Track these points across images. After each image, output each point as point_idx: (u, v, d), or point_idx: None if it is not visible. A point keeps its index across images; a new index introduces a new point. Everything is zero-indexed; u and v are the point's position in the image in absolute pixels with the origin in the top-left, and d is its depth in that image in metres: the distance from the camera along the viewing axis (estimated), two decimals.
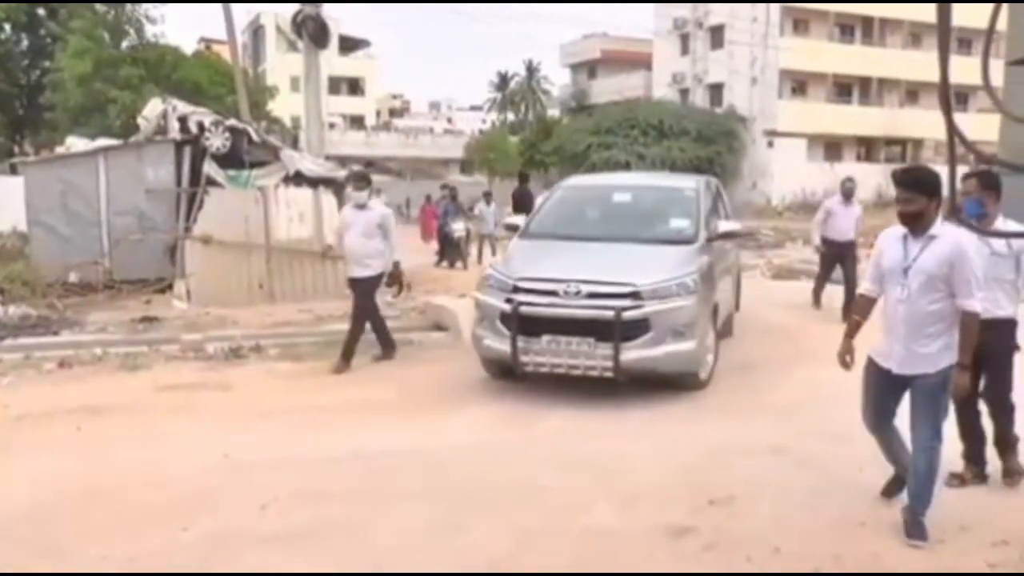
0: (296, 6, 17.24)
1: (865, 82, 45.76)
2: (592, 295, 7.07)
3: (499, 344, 7.39)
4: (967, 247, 4.47)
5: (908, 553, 4.40)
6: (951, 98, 3.73)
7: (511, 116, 70.55)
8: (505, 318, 7.32)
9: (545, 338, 7.16)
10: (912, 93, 46.64)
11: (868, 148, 46.99)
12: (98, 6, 33.82)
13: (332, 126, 50.92)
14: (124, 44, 34.39)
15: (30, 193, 13.01)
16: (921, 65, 44.14)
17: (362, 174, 9.95)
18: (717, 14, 43.89)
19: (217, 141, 13.26)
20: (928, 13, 42.54)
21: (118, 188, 13.06)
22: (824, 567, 4.25)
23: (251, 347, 9.46)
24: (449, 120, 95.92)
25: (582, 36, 56.56)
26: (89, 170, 13.10)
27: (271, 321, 10.92)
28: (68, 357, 8.92)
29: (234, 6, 17.82)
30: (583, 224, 8.71)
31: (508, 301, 7.29)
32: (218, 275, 12.36)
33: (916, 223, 4.49)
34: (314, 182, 13.60)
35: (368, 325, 8.85)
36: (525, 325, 7.19)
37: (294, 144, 24.83)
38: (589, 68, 56.71)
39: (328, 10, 17.45)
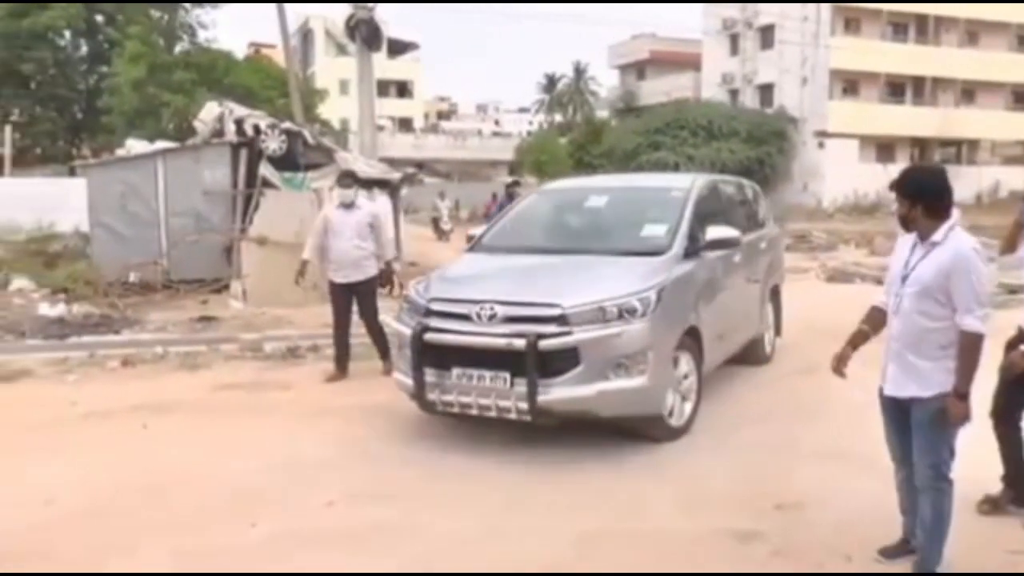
0: (348, 9, 17.43)
1: (919, 81, 44.90)
2: (510, 319, 5.77)
3: (405, 378, 6.24)
4: (970, 256, 3.86)
5: None
6: None
7: (559, 118, 70.45)
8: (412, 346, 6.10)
9: (456, 371, 5.90)
10: (968, 92, 45.78)
11: (922, 149, 46.14)
12: (153, 12, 34.41)
13: (381, 128, 51.18)
14: (177, 49, 34.97)
15: (92, 195, 13.31)
16: (978, 63, 43.56)
17: (347, 171, 9.64)
18: (767, 14, 43.46)
19: (273, 144, 13.45)
20: (986, 10, 42.09)
21: (176, 190, 13.31)
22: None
23: (308, 347, 9.56)
24: (496, 122, 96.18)
25: (631, 37, 56.38)
26: (148, 172, 13.36)
27: (324, 321, 10.99)
28: (131, 355, 9.09)
29: (285, 10, 18.07)
30: (543, 234, 7.58)
31: (419, 326, 6.10)
32: (273, 275, 12.46)
33: (910, 227, 4.04)
34: (367, 184, 13.71)
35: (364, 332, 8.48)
36: (432, 355, 6.00)
37: (344, 147, 25.04)
38: (638, 69, 56.52)
39: (379, 13, 17.61)
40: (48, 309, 11.37)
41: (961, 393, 3.85)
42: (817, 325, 10.37)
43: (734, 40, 46.95)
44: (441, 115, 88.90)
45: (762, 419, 6.84)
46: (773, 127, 42.12)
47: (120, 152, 15.08)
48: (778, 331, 9.15)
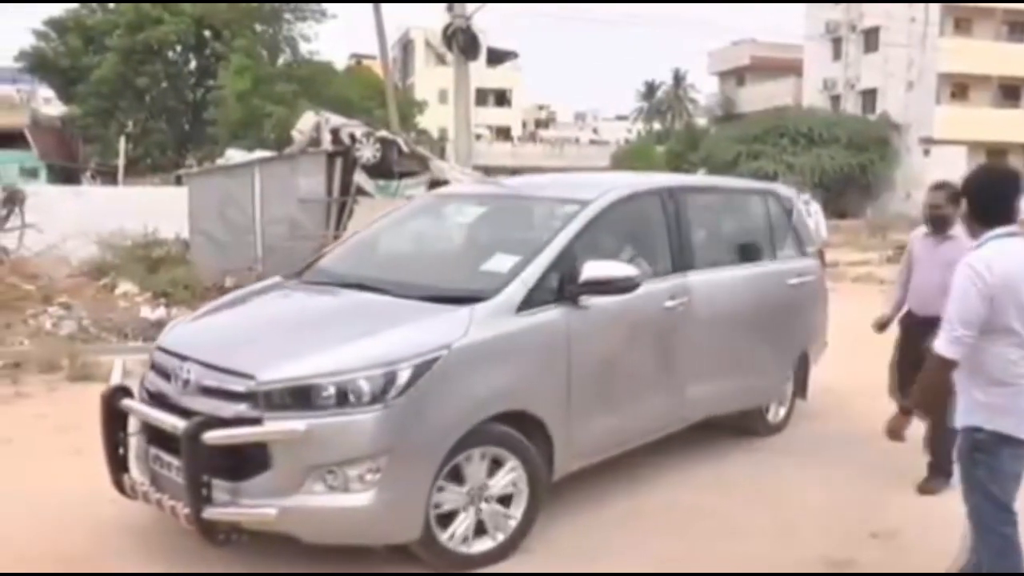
0: (448, 19, 17.67)
1: None
2: (205, 390, 4.26)
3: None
4: (961, 271, 3.45)
5: None
6: None
7: (657, 126, 69.99)
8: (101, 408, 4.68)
9: (151, 450, 4.48)
10: None
11: None
12: (258, 26, 35.51)
13: (479, 137, 51.74)
14: (280, 61, 35.97)
15: (193, 202, 13.80)
16: None
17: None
18: (872, 16, 42.29)
19: (367, 152, 13.71)
20: None
21: (272, 197, 13.66)
22: None
23: None
24: (594, 130, 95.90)
25: (731, 43, 55.64)
26: (245, 180, 13.76)
27: None
28: None
29: (385, 22, 18.41)
30: (378, 261, 5.89)
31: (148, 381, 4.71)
32: None
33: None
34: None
35: None
36: (131, 423, 4.63)
37: (440, 155, 25.35)
38: (737, 75, 55.72)
39: (477, 22, 17.80)
40: (149, 312, 11.77)
41: (905, 408, 3.75)
42: None
43: (837, 44, 45.84)
44: (539, 123, 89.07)
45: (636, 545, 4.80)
46: (875, 134, 41.02)
47: (220, 162, 15.58)
48: (803, 394, 6.95)
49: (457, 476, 4.34)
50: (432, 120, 46.82)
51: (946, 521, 4.94)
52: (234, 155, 15.53)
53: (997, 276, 3.35)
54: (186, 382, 4.30)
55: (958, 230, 4.78)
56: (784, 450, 6.30)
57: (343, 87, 33.68)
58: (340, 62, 42.73)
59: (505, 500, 4.51)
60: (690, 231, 5.76)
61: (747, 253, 6.33)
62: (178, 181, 33.82)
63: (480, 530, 4.44)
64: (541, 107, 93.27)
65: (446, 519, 4.33)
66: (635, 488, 5.46)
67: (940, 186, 5.42)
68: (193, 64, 39.06)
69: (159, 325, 10.96)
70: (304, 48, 36.64)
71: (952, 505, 5.10)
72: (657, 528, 4.94)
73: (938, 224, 5.40)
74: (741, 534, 4.88)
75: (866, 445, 5.85)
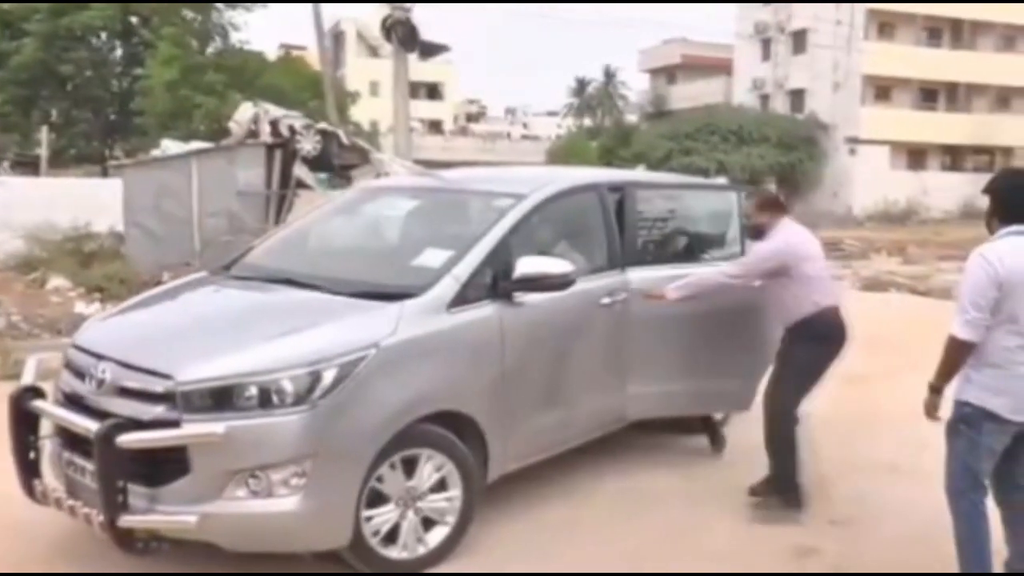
0: (382, 12, 17.51)
1: (952, 88, 44.42)
2: (121, 390, 4.05)
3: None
4: (971, 259, 3.80)
5: None
6: None
7: (588, 122, 70.36)
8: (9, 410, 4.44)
9: (65, 455, 4.24)
10: (1003, 99, 45.28)
11: (954, 156, 45.66)
12: (186, 14, 34.70)
13: (411, 130, 51.50)
14: (210, 50, 35.22)
15: (127, 195, 13.48)
16: (1014, 69, 42.98)
17: None
18: (800, 18, 43.12)
19: (308, 144, 13.54)
20: (1022, 14, 41.54)
21: (210, 190, 13.42)
22: None
23: None
24: (525, 125, 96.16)
25: (662, 41, 56.22)
26: (182, 172, 13.49)
27: None
28: None
29: (321, 12, 18.15)
30: (307, 255, 5.67)
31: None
32: None
33: (988, 228, 3.99)
34: None
35: None
36: (43, 426, 4.42)
37: (377, 148, 25.15)
38: (668, 73, 56.33)
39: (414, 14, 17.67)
40: (84, 307, 11.45)
41: (931, 385, 3.90)
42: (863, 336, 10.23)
43: (766, 45, 46.67)
44: (470, 117, 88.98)
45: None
46: (804, 133, 41.86)
47: (156, 153, 15.24)
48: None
49: (387, 479, 4.21)
50: (363, 113, 46.36)
51: (896, 509, 5.06)
52: (170, 146, 15.17)
53: (1007, 267, 3.68)
54: (101, 382, 4.09)
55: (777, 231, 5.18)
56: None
57: (275, 77, 33.10)
58: (270, 52, 42.03)
59: (438, 503, 4.40)
60: (629, 227, 5.59)
61: (691, 252, 6.07)
62: (105, 173, 33.05)
63: (412, 534, 4.32)
64: (472, 101, 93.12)
65: (376, 524, 4.20)
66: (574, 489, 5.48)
67: (751, 194, 5.81)
68: (119, 52, 37.98)
69: None
70: (235, 37, 36.00)
71: (900, 492, 5.25)
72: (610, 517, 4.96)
73: (754, 235, 5.49)
74: (702, 528, 4.95)
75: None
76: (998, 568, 3.95)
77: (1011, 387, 3.73)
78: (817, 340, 5.06)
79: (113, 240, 14.82)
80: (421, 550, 4.34)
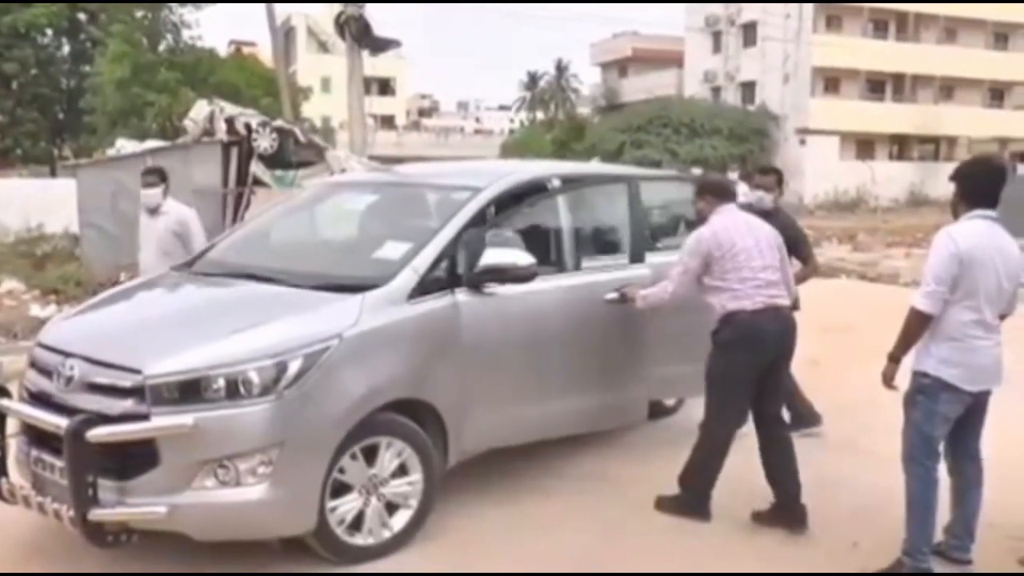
0: (332, 8, 17.48)
1: (898, 79, 45.40)
2: (90, 386, 4.11)
3: None
4: (938, 236, 4.05)
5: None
6: None
7: (540, 115, 70.55)
8: None
9: (33, 452, 4.28)
10: (947, 89, 46.33)
11: (901, 146, 46.64)
12: (136, 11, 34.21)
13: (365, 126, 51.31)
14: (161, 48, 34.76)
15: (82, 195, 13.32)
16: (956, 61, 44.06)
17: (153, 168, 7.86)
18: (750, 11, 43.68)
19: (264, 142, 13.45)
20: (964, 7, 42.54)
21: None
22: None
23: None
24: (477, 120, 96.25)
25: (612, 35, 56.56)
26: (138, 172, 13.26)
27: None
28: None
29: (274, 9, 18.08)
30: (269, 250, 5.76)
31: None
32: None
33: (952, 215, 4.21)
34: None
35: None
36: (8, 425, 4.46)
37: (333, 145, 25.04)
38: (620, 67, 56.68)
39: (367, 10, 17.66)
40: (40, 310, 11.35)
41: (889, 355, 4.12)
42: (818, 323, 10.47)
43: (717, 38, 47.17)
44: (422, 112, 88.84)
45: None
46: (755, 124, 42.41)
47: (110, 152, 15.07)
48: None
49: (349, 470, 4.31)
50: (315, 109, 46.08)
51: (844, 483, 5.25)
52: (125, 145, 15.01)
53: (969, 245, 3.93)
54: (69, 379, 4.15)
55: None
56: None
57: (228, 75, 32.71)
58: (220, 48, 41.55)
59: (400, 488, 4.50)
60: (585, 220, 5.74)
61: (646, 245, 5.95)
62: (53, 173, 32.53)
63: (376, 520, 4.43)
64: (424, 96, 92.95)
65: (341, 513, 4.31)
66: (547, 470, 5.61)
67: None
68: (67, 49, 37.34)
69: None
70: (186, 35, 35.48)
71: (848, 469, 5.40)
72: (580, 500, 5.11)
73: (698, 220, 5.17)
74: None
75: None
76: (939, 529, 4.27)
77: (966, 359, 3.99)
78: (724, 347, 4.79)
79: (68, 241, 14.69)
80: (386, 534, 4.47)
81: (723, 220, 4.87)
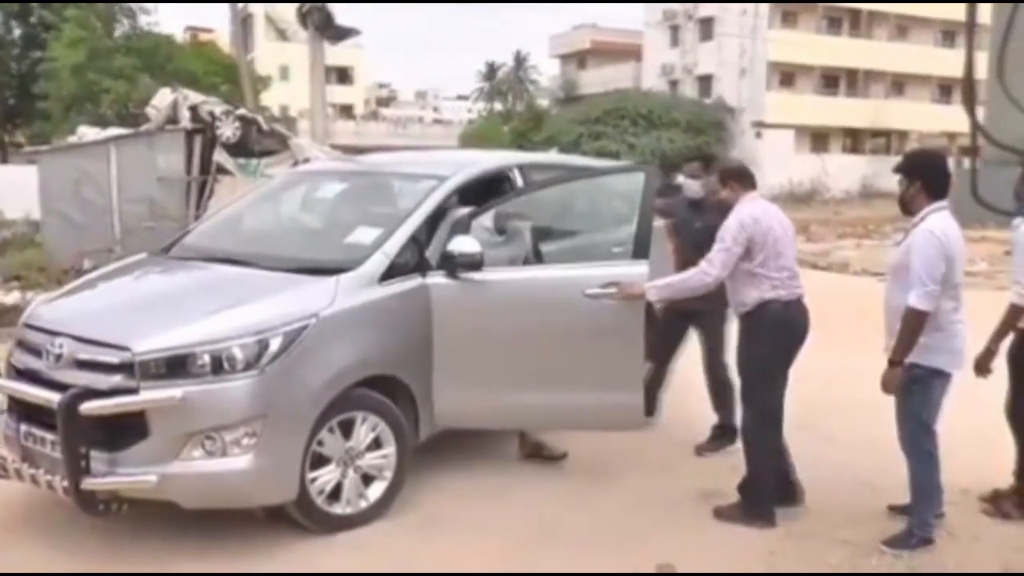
0: None
1: (852, 74, 46.36)
2: (80, 363, 4.36)
3: None
4: (925, 236, 4.16)
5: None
6: (974, 92, 4.10)
7: (499, 106, 70.62)
8: None
9: (23, 427, 4.50)
10: (898, 84, 47.43)
11: (854, 139, 47.56)
12: None
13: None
14: (117, 33, 34.29)
15: (43, 181, 13.30)
16: (907, 57, 45.07)
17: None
18: (707, 6, 44.21)
19: (228, 130, 13.51)
20: (914, 6, 43.44)
21: (130, 176, 13.30)
22: (843, 532, 4.58)
23: None
24: (435, 109, 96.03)
25: (572, 27, 56.81)
26: (101, 159, 13.33)
27: None
28: None
29: None
30: (242, 236, 6.00)
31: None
32: None
33: (904, 209, 4.40)
34: None
35: None
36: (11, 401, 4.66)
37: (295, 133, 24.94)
38: (579, 59, 56.94)
39: None
40: (2, 296, 11.34)
41: (892, 360, 4.23)
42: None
43: (675, 32, 47.59)
44: (381, 102, 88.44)
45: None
46: (712, 117, 42.80)
47: (72, 139, 15.01)
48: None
49: (328, 443, 4.57)
50: (273, 97, 45.75)
51: (799, 459, 5.50)
52: (87, 132, 14.94)
53: (949, 239, 4.16)
54: (59, 356, 4.38)
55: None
56: None
57: (187, 62, 32.38)
58: (176, 34, 41.07)
59: (375, 460, 4.76)
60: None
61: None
62: (5, 159, 32.00)
63: (353, 491, 4.69)
64: (382, 85, 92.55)
65: (321, 484, 4.55)
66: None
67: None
68: (18, 33, 36.70)
69: (15, 310, 10.59)
70: (144, 20, 35.02)
71: (802, 447, 5.64)
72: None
73: (720, 212, 4.94)
74: (616, 480, 5.41)
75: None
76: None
77: (951, 345, 4.28)
78: (773, 330, 4.66)
79: (29, 228, 14.61)
80: (363, 504, 4.74)
81: (756, 207, 4.72)
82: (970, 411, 4.83)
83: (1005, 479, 4.94)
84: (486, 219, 5.36)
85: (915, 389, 4.30)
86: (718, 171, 4.94)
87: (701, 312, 5.63)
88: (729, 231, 4.63)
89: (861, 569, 4.25)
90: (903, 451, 4.47)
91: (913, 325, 4.14)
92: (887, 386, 4.27)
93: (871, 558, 4.28)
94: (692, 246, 5.40)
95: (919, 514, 4.43)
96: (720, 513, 4.81)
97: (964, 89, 3.48)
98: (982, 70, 5.01)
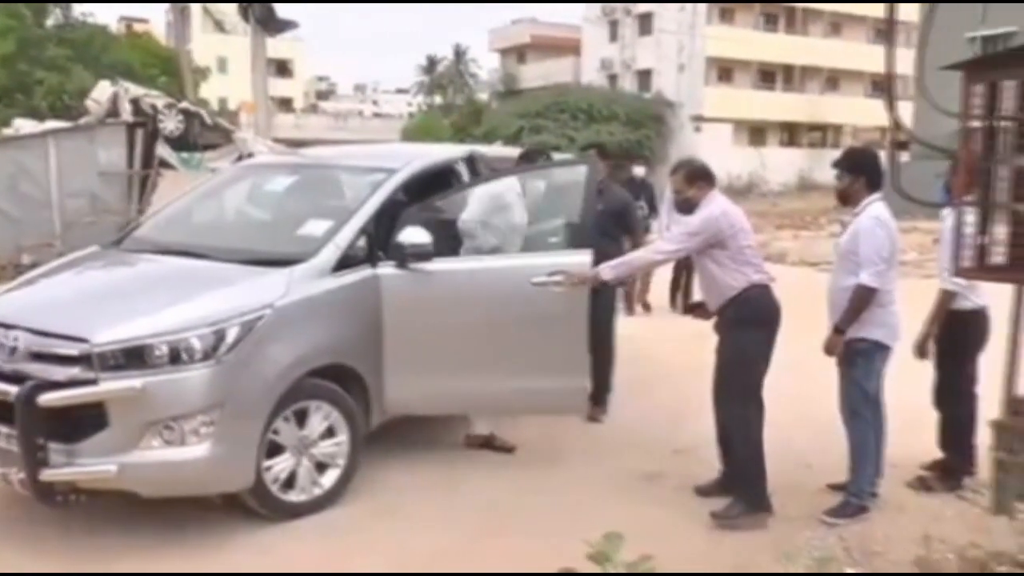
0: None
1: (788, 70, 47.26)
2: (36, 355, 4.38)
3: None
4: (871, 222, 4.62)
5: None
6: (895, 90, 4.40)
7: (438, 100, 70.54)
8: None
9: None
10: (832, 80, 48.49)
11: (791, 133, 48.45)
12: None
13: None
14: (49, 23, 33.61)
15: None
16: (841, 53, 46.14)
17: None
18: (645, 2, 44.73)
19: (171, 124, 13.45)
20: (847, 5, 44.40)
21: (69, 170, 13.09)
22: (784, 509, 4.81)
23: None
24: (375, 103, 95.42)
25: (511, 21, 57.00)
26: (39, 153, 13.10)
27: None
28: None
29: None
30: (194, 228, 6.05)
31: None
32: None
33: (845, 202, 4.84)
34: None
35: None
36: None
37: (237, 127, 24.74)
38: (518, 53, 57.10)
39: None
40: None
41: (836, 328, 4.65)
42: None
43: (613, 27, 48.04)
44: (320, 95, 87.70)
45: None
46: (651, 111, 43.32)
47: (7, 132, 14.76)
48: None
49: (282, 431, 4.67)
50: (212, 90, 45.23)
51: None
52: (23, 125, 14.71)
53: (892, 226, 4.66)
54: (13, 350, 4.40)
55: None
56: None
57: (123, 53, 31.91)
58: (110, 25, 40.36)
59: (328, 448, 4.87)
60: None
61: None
62: None
63: (307, 478, 4.80)
64: (321, 79, 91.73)
65: (276, 472, 4.66)
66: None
67: (676, 169, 5.26)
68: None
69: None
70: (77, 9, 34.36)
71: None
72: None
73: (684, 208, 5.05)
74: (564, 470, 5.56)
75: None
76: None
77: (889, 320, 4.69)
78: (751, 321, 4.72)
79: None
80: (317, 491, 4.84)
81: (723, 202, 4.88)
82: (900, 391, 5.10)
83: (931, 454, 5.31)
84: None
85: (859, 361, 4.71)
86: (685, 172, 5.02)
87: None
88: (692, 226, 4.81)
89: (797, 542, 4.38)
90: (843, 422, 4.83)
91: (862, 300, 4.56)
92: (830, 350, 4.71)
93: (805, 531, 4.48)
94: (596, 228, 5.56)
95: (856, 482, 4.75)
96: (719, 519, 4.71)
97: (886, 87, 3.73)
98: (910, 67, 5.28)
